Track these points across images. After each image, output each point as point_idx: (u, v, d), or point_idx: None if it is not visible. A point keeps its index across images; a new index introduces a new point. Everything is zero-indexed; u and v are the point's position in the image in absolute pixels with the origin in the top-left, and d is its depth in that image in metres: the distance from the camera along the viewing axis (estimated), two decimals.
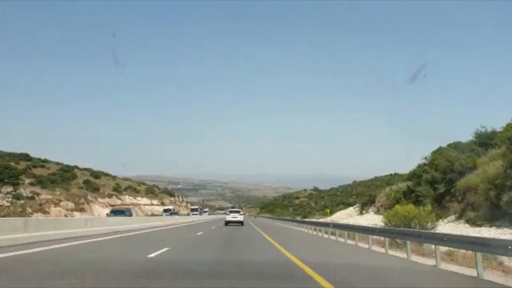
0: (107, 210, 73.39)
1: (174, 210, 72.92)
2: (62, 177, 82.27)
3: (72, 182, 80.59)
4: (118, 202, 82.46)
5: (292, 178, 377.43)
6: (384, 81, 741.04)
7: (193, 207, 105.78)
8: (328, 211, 63.68)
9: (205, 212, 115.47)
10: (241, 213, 41.43)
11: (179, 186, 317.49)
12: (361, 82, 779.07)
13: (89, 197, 70.04)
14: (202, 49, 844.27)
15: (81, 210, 61.04)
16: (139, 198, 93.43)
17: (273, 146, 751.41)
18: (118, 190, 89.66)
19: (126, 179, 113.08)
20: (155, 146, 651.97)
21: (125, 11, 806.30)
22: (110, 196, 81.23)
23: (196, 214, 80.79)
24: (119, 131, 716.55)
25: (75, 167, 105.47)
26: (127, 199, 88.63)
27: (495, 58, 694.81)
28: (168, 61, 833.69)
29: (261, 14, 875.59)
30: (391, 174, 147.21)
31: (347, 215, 51.82)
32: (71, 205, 60.43)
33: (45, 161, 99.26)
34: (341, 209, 71.35)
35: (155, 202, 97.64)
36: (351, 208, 55.68)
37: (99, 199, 74.27)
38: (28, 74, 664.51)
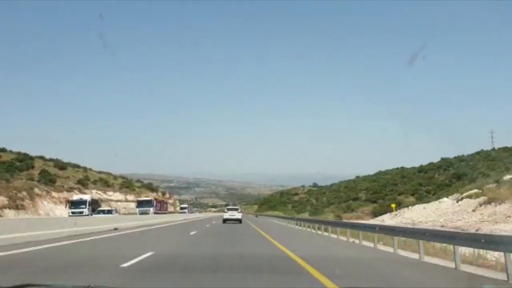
0: (62, 207, 58.88)
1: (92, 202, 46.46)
2: (12, 166, 67.64)
3: (22, 173, 65.93)
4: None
5: (286, 177, 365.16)
6: (383, 79, 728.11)
7: (141, 198, 66.49)
8: (393, 206, 48.72)
9: (182, 209, 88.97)
10: (239, 210, 43.25)
11: (172, 184, 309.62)
12: (358, 80, 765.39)
13: (36, 190, 55.44)
14: (202, 48, 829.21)
15: (18, 207, 46.49)
16: (110, 193, 78.91)
17: (268, 145, 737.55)
18: (83, 183, 75.08)
19: (100, 172, 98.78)
20: (149, 144, 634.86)
21: (118, 7, 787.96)
22: (70, 189, 66.64)
23: (142, 213, 50.21)
24: (113, 129, 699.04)
25: (40, 157, 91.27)
26: (95, 193, 74.24)
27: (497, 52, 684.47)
28: (167, 58, 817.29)
29: (258, 14, 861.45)
30: (397, 168, 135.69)
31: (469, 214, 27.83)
32: (3, 200, 45.94)
33: (1, 150, 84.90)
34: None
35: (130, 197, 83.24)
36: (446, 199, 34.72)
37: (54, 193, 59.76)
38: (27, 73, 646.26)
